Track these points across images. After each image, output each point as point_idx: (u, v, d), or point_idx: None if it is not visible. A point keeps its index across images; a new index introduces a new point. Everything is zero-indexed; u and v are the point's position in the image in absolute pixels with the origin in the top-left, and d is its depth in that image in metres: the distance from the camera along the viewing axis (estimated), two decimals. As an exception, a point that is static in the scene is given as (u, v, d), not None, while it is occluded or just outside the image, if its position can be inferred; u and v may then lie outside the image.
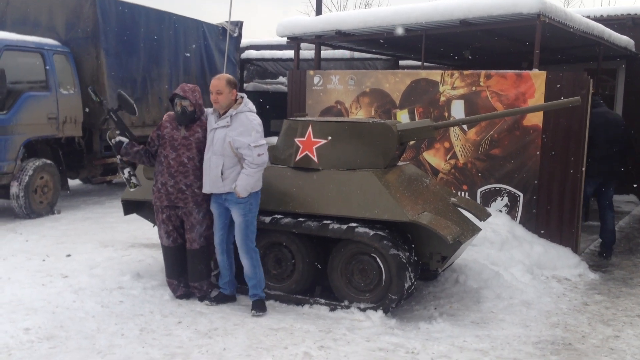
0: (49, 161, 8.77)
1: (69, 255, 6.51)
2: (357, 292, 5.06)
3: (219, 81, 4.95)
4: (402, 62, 12.65)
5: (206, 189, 4.94)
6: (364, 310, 4.92)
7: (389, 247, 4.79)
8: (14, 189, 8.25)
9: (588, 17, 9.44)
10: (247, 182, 4.80)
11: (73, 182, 10.51)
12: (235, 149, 4.82)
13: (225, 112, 4.93)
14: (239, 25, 13.05)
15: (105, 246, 6.99)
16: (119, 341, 4.30)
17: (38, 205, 8.54)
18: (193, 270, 5.16)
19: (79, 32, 9.43)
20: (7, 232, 7.63)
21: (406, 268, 4.81)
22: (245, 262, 4.96)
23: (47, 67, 8.74)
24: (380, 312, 4.86)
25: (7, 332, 4.34)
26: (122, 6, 9.94)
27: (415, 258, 5.02)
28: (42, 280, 5.60)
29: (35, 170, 8.43)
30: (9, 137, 8.15)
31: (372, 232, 4.84)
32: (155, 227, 5.37)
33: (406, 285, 4.85)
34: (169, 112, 5.19)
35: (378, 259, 4.91)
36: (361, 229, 4.89)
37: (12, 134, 8.21)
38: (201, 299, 5.18)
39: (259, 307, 4.91)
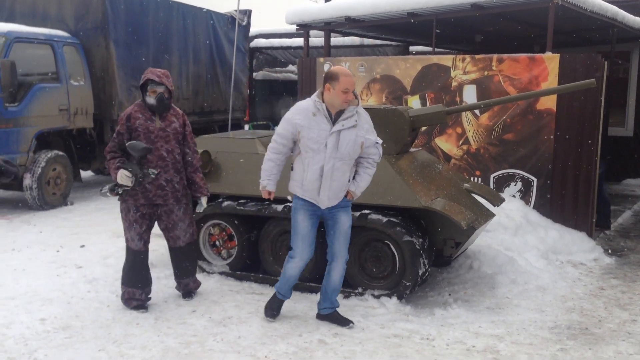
0: (61, 153, 8.80)
1: (82, 246, 6.54)
2: (370, 279, 5.04)
3: (352, 78, 4.14)
4: (412, 48, 12.55)
5: (325, 203, 4.22)
6: (378, 297, 4.90)
7: (402, 233, 4.76)
8: (27, 180, 8.29)
9: (601, -2, 9.29)
10: (368, 182, 4.37)
11: (84, 174, 10.55)
12: (365, 148, 4.28)
13: (340, 111, 4.18)
14: (247, 13, 13.00)
15: (118, 236, 6.99)
16: (134, 330, 4.32)
17: (51, 197, 8.59)
18: (179, 268, 4.90)
19: (88, 23, 9.42)
20: (21, 223, 7.68)
21: (420, 254, 4.79)
22: (339, 272, 4.43)
23: (58, 59, 8.75)
24: (394, 299, 4.85)
25: (24, 323, 4.37)
26: (130, -4, 9.92)
27: (429, 244, 4.99)
28: (56, 271, 5.63)
29: (47, 162, 8.47)
30: (21, 129, 8.19)
31: (385, 219, 4.82)
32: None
33: (420, 272, 4.82)
34: (137, 102, 4.68)
35: (392, 246, 4.89)
36: (374, 216, 4.87)
37: (24, 126, 8.24)
38: (186, 295, 4.94)
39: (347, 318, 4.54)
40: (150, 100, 4.57)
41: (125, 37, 9.75)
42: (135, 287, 4.71)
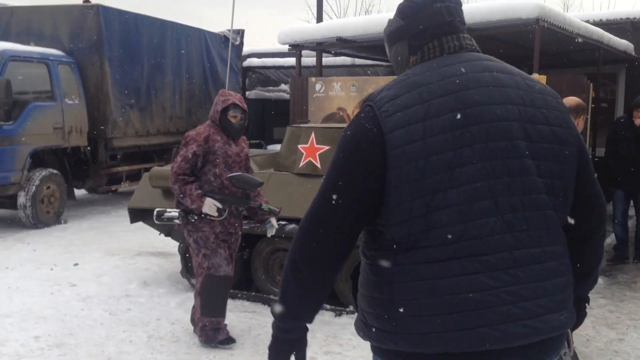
0: (55, 171, 8.85)
1: (76, 264, 6.57)
2: (362, 297, 5.08)
3: None
4: (403, 69, 12.68)
5: None
6: (369, 315, 4.94)
7: (393, 252, 4.81)
8: (21, 199, 8.32)
9: (587, 21, 9.49)
10: None
11: (78, 192, 10.59)
12: None
13: None
14: (240, 33, 13.17)
15: (112, 255, 7.05)
16: (127, 348, 4.35)
17: (45, 215, 8.62)
18: (225, 303, 4.47)
19: (83, 42, 9.52)
20: (15, 242, 7.70)
21: (410, 273, 4.84)
22: None
23: (52, 77, 8.83)
24: (385, 317, 4.89)
25: (18, 341, 4.40)
26: (125, 15, 10.04)
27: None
28: (50, 289, 5.66)
29: (42, 180, 8.51)
30: (15, 147, 8.24)
31: (376, 238, 4.87)
32: (162, 236, 5.35)
33: (410, 290, 4.87)
34: (208, 123, 4.40)
35: (382, 264, 4.94)
36: (365, 235, 4.92)
37: (19, 144, 8.29)
38: (227, 342, 4.42)
39: None
40: (231, 125, 4.33)
41: (119, 56, 9.85)
42: (221, 315, 4.40)
